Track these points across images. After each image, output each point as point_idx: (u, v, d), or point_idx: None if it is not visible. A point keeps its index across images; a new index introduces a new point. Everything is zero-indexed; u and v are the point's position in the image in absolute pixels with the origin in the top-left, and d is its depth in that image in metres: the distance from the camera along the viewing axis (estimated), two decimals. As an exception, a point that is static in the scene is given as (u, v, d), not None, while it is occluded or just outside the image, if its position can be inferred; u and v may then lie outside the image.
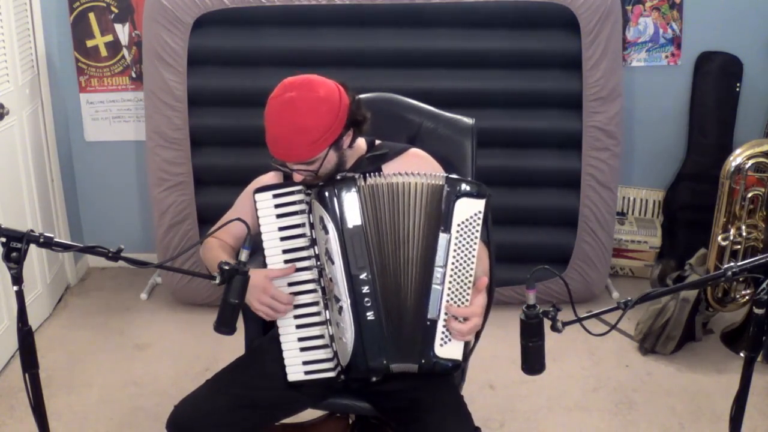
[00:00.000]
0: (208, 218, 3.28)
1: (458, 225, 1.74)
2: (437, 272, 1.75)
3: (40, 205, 3.41)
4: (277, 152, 1.81)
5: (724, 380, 2.95)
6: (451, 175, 1.77)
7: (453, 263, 1.75)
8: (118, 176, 3.80)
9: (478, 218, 1.75)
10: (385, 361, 1.81)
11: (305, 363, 1.87)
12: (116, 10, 3.54)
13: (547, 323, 1.58)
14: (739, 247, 3.09)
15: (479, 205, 1.74)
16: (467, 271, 1.76)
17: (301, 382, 1.88)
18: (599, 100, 3.23)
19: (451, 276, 1.75)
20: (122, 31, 3.57)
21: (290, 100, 1.77)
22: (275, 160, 1.85)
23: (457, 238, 1.74)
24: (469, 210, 1.74)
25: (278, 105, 1.79)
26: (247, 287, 1.70)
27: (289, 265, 1.85)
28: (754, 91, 3.59)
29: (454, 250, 1.74)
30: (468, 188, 1.75)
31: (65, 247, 1.61)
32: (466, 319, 1.76)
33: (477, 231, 1.75)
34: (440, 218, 1.74)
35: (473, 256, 1.75)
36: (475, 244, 1.75)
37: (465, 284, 1.76)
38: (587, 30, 3.16)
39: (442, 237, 1.74)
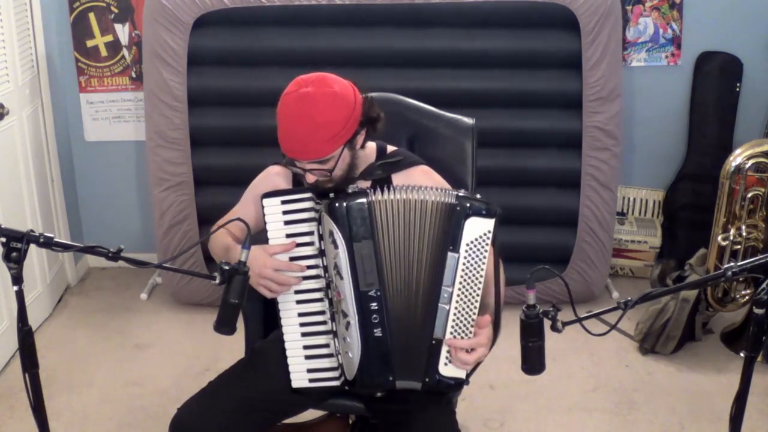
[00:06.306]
0: (208, 218, 3.27)
1: (467, 244, 1.70)
2: (444, 292, 1.72)
3: (40, 205, 3.41)
4: (292, 150, 1.76)
5: (724, 380, 2.95)
6: (460, 193, 1.73)
7: (461, 283, 1.72)
8: (118, 176, 3.80)
9: (488, 238, 1.70)
10: (391, 378, 1.80)
11: (310, 371, 1.86)
12: (116, 10, 3.53)
13: (547, 323, 1.57)
14: (739, 247, 3.08)
15: (488, 224, 1.70)
16: (474, 291, 1.73)
17: (305, 389, 1.88)
18: (599, 100, 3.23)
19: (458, 296, 1.72)
20: (122, 31, 3.57)
21: (307, 95, 1.72)
22: (288, 160, 1.81)
23: (465, 257, 1.70)
24: (478, 229, 1.70)
25: (294, 100, 1.74)
26: (247, 283, 1.68)
27: (290, 240, 1.80)
28: (754, 91, 3.59)
29: (462, 270, 1.71)
30: (478, 207, 1.70)
31: (65, 247, 1.61)
32: (472, 350, 1.74)
33: (486, 251, 1.71)
34: (449, 237, 1.71)
35: (481, 276, 1.72)
36: (484, 263, 1.71)
37: (472, 304, 1.73)
38: (587, 30, 3.16)
39: (451, 256, 1.70)
